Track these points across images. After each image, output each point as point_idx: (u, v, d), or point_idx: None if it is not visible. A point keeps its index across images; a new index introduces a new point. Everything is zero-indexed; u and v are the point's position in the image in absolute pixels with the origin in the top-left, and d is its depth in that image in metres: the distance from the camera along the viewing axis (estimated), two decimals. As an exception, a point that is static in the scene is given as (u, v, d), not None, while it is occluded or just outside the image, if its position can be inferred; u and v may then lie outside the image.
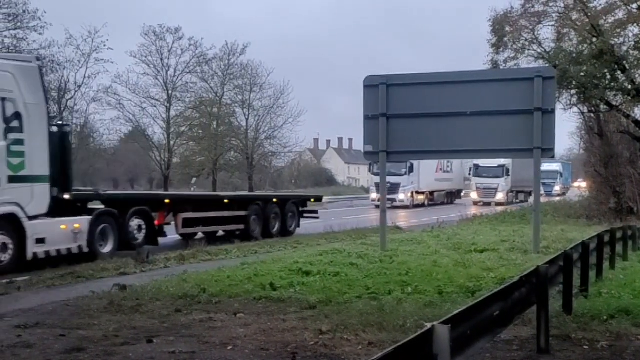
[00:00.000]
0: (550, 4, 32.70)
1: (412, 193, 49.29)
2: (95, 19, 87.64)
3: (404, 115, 17.57)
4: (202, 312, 9.49)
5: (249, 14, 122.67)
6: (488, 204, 50.10)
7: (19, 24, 38.60)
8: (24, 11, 38.46)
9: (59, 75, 42.81)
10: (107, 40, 43.59)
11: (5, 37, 38.80)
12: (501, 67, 31.87)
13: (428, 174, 50.76)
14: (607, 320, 8.74)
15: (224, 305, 10.02)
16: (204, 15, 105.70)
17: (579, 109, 38.07)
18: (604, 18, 30.65)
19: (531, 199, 55.21)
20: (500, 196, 53.57)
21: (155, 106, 51.61)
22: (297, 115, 58.84)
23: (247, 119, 57.90)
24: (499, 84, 17.67)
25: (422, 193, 51.47)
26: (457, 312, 4.88)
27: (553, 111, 16.90)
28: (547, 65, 29.25)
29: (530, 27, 33.67)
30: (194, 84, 54.47)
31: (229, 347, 7.62)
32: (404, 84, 17.89)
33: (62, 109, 43.77)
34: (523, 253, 16.21)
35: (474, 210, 41.03)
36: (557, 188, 75.42)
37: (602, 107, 33.95)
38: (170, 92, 51.96)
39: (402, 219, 34.44)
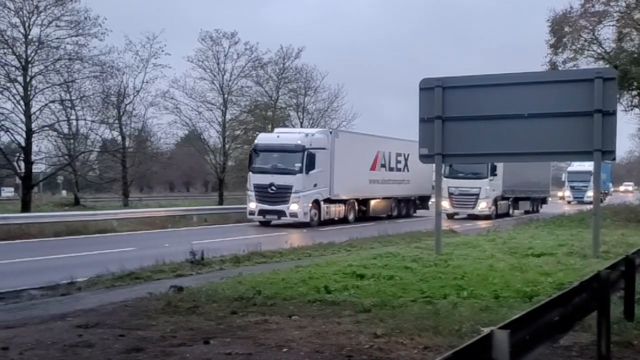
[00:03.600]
0: (611, 4, 32.15)
1: (315, 202, 31.70)
2: (153, 25, 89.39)
3: (460, 117, 17.41)
4: (257, 314, 9.54)
5: (301, 22, 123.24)
6: (476, 217, 37.66)
7: (80, 31, 39.55)
8: (86, 18, 39.41)
9: (119, 81, 43.68)
10: (165, 45, 44.32)
11: (68, 44, 39.81)
12: (560, 68, 31.38)
13: (352, 171, 33.88)
14: (671, 328, 8.50)
15: (279, 308, 10.05)
16: (257, 24, 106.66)
17: (640, 110, 37.24)
18: (667, 17, 29.94)
19: (546, 209, 44.85)
20: (483, 205, 38.11)
21: (211, 110, 52.20)
22: (351, 119, 58.85)
23: (301, 122, 58.15)
24: (558, 85, 17.36)
25: (341, 202, 33.73)
26: (516, 317, 4.80)
27: (614, 113, 16.54)
28: (607, 65, 28.65)
29: (590, 27, 33.14)
30: (249, 88, 54.97)
31: (284, 350, 7.64)
32: (460, 87, 17.73)
33: (121, 113, 44.62)
34: (582, 257, 15.91)
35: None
36: (589, 193, 59.68)
37: (665, 108, 33.12)
38: (226, 96, 52.50)
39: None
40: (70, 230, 25.15)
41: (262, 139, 33.64)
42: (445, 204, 36.71)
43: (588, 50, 33.95)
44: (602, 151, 16.23)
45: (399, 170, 39.57)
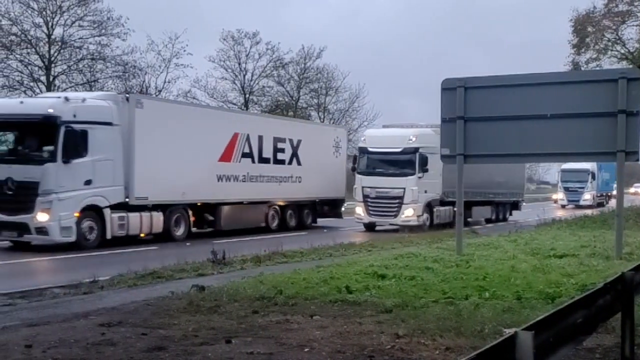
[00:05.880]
0: (635, 4, 31.90)
1: (91, 210, 20.31)
2: (175, 25, 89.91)
3: (482, 118, 17.32)
4: (278, 314, 9.56)
5: (322, 22, 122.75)
6: (411, 228, 26.23)
7: (103, 31, 39.93)
8: (108, 18, 39.78)
9: (141, 81, 43.97)
10: (187, 45, 44.54)
11: (90, 44, 40.17)
12: (582, 68, 31.18)
13: (177, 161, 22.93)
14: (697, 330, 8.39)
15: (300, 307, 10.06)
16: (278, 24, 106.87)
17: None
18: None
19: (518, 217, 34.12)
20: (408, 213, 27.77)
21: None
22: (372, 119, 58.85)
23: (322, 122, 58.29)
24: (581, 85, 17.23)
25: (156, 209, 22.34)
26: (540, 318, 4.77)
27: (638, 113, 16.36)
28: (631, 66, 28.40)
29: (614, 27, 32.94)
30: (271, 88, 55.28)
31: (306, 349, 7.65)
32: (482, 87, 17.65)
33: (143, 113, 44.86)
34: (605, 259, 15.77)
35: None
36: (586, 196, 54.65)
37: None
38: (247, 95, 52.81)
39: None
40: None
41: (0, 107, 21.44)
42: (360, 211, 28.75)
43: (611, 50, 33.74)
44: (626, 152, 16.10)
45: (279, 162, 28.17)
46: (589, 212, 37.46)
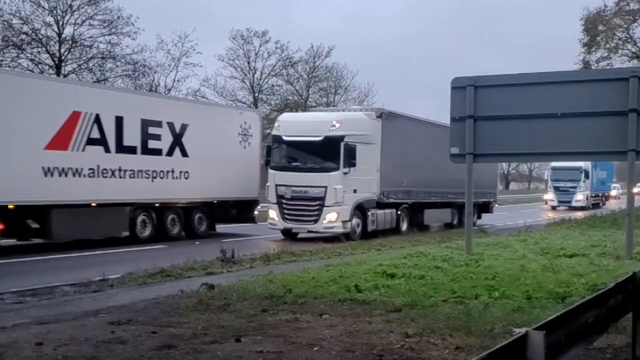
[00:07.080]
0: (646, 2, 31.72)
1: None
2: (184, 23, 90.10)
3: (492, 117, 17.26)
4: (288, 313, 9.55)
5: (331, 21, 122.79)
6: (338, 236, 22.58)
7: (113, 30, 40.08)
8: (119, 17, 39.93)
9: (150, 79, 44.08)
10: (196, 44, 44.63)
11: (101, 42, 40.32)
12: (593, 67, 31.07)
13: None
14: None
15: (310, 306, 10.05)
16: (287, 23, 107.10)
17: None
18: (703, 15, 29.52)
19: (490, 220, 30.12)
20: (331, 217, 22.48)
21: (241, 109, 52.68)
22: (381, 117, 58.84)
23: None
24: (592, 84, 17.14)
25: None
26: (551, 318, 4.76)
27: (649, 112, 16.30)
28: (641, 65, 28.28)
29: (625, 26, 32.83)
30: (280, 87, 55.39)
31: (315, 348, 7.64)
32: (492, 85, 17.57)
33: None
34: (615, 258, 15.68)
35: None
36: (579, 197, 50.71)
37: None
38: (256, 94, 52.87)
39: None
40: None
41: None
42: (273, 215, 23.22)
43: (622, 49, 33.65)
44: (637, 151, 16.02)
45: (152, 152, 21.75)
46: (588, 212, 36.49)
